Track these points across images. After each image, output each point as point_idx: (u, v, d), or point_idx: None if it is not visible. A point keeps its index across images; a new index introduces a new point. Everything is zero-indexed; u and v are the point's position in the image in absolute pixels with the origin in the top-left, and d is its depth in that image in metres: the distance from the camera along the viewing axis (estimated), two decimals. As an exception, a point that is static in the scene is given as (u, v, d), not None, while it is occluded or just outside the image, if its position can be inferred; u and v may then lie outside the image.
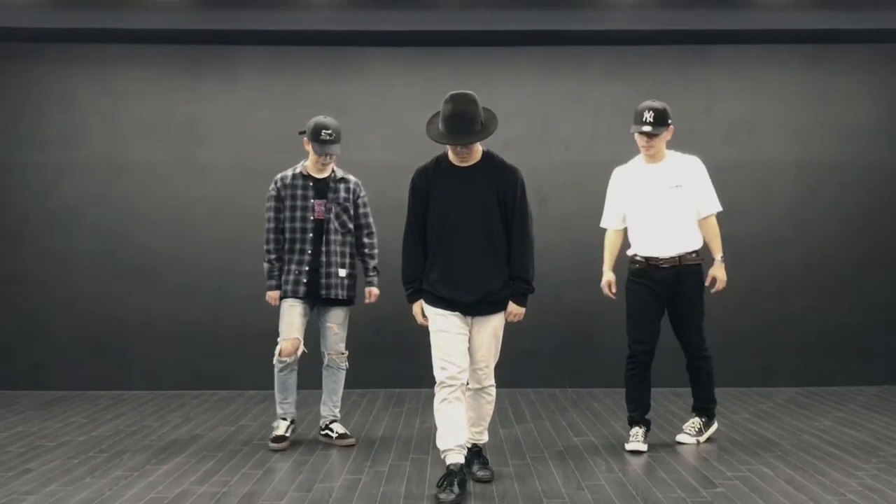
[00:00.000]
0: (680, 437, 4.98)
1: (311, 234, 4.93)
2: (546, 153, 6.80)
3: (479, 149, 4.12)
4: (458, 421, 3.96)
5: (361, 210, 5.07)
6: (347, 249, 5.01)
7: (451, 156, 4.12)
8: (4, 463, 4.54)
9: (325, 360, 5.06)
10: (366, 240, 5.10)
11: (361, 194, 5.08)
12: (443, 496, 3.79)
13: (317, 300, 4.98)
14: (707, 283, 4.90)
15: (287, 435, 4.93)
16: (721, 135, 6.85)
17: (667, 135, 4.82)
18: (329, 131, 4.87)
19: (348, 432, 5.03)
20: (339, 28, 6.49)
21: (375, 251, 5.13)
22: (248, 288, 6.66)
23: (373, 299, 5.15)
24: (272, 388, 6.47)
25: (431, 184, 4.10)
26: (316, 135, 4.87)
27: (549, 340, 6.74)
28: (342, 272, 4.97)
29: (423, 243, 4.10)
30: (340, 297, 4.96)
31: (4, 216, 6.74)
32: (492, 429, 5.30)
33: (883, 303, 6.84)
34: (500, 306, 4.09)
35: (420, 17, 6.49)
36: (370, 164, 6.66)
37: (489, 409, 4.24)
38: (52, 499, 3.90)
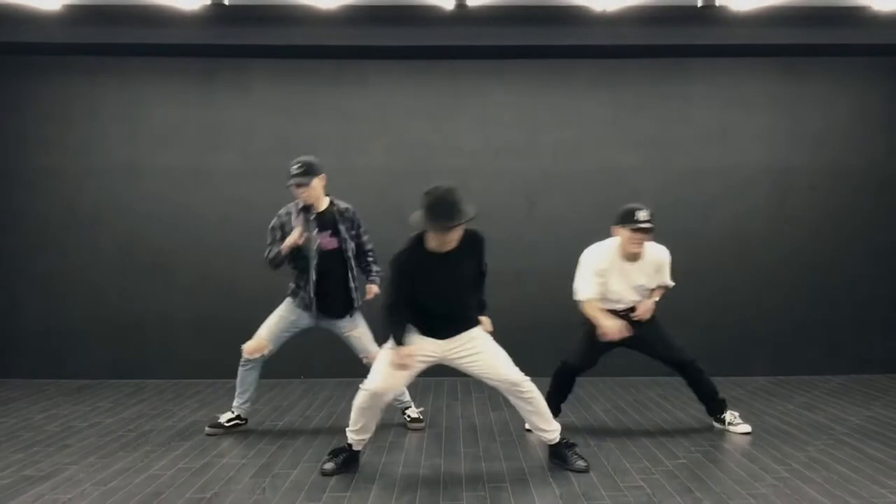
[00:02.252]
0: (741, 428, 5.20)
1: (314, 261, 5.17)
2: (535, 159, 7.27)
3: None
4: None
5: (364, 238, 5.35)
6: (349, 272, 5.27)
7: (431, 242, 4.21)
8: (45, 440, 5.06)
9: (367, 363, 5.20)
10: (369, 258, 5.40)
11: (358, 221, 5.33)
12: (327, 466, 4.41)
13: (323, 317, 5.29)
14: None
15: (224, 424, 5.29)
16: (697, 142, 7.31)
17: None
18: (297, 165, 5.12)
19: (420, 416, 5.46)
20: (343, 43, 6.92)
21: (375, 257, 5.41)
22: (258, 283, 7.14)
23: (371, 296, 5.36)
24: (281, 377, 7.06)
25: (415, 269, 4.23)
26: (287, 174, 5.16)
27: (539, 333, 7.21)
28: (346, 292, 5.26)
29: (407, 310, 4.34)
30: (344, 315, 5.29)
31: (33, 217, 7.21)
32: (482, 410, 5.85)
33: (848, 298, 7.31)
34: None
35: (418, 33, 6.89)
36: (372, 169, 7.17)
37: (537, 400, 4.44)
38: (92, 468, 4.42)
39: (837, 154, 7.35)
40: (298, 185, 5.11)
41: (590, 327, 5.09)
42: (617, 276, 5.10)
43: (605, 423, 5.48)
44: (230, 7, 6.45)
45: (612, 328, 4.94)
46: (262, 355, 5.28)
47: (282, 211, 5.31)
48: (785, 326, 7.29)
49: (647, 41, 6.95)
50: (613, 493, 3.99)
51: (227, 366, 7.18)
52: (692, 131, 7.31)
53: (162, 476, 4.28)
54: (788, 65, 7.30)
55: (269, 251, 5.23)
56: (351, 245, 5.27)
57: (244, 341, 7.17)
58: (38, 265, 7.22)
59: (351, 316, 5.32)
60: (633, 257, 5.09)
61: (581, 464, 4.39)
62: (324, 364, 7.20)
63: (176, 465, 4.50)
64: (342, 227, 5.22)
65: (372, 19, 6.81)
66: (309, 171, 5.14)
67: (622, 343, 5.06)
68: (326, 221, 5.21)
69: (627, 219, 4.98)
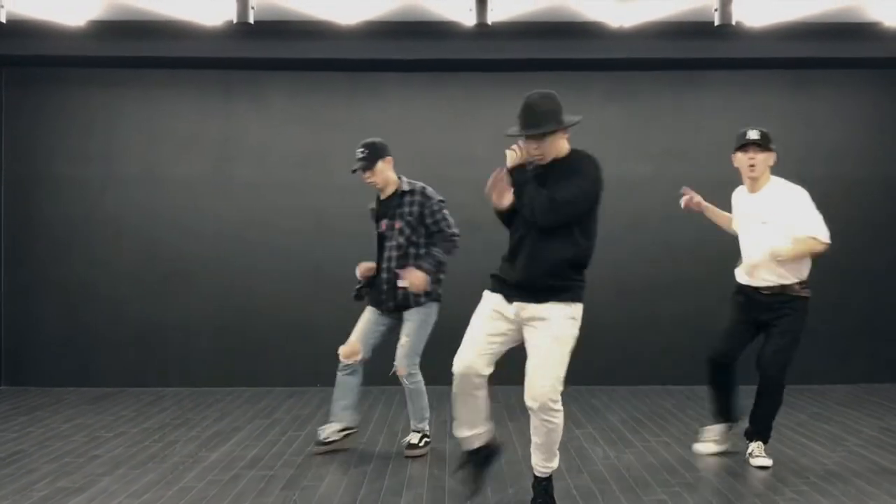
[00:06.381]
0: (757, 462, 4.80)
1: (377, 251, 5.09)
2: (550, 170, 7.36)
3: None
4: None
5: (432, 219, 5.02)
6: (399, 262, 4.99)
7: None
8: (74, 450, 5.15)
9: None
10: (438, 238, 5.07)
11: (430, 202, 5.02)
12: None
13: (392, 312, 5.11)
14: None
15: (325, 441, 5.06)
16: (711, 153, 7.36)
17: (769, 159, 4.81)
18: (360, 149, 5.02)
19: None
20: (359, 56, 7.02)
21: (448, 241, 5.06)
22: (276, 292, 7.30)
23: (407, 283, 4.91)
24: (298, 384, 7.17)
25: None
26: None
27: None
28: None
29: None
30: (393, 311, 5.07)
31: (55, 226, 7.31)
32: (500, 420, 5.92)
33: (859, 308, 7.40)
34: None
35: (434, 46, 7.00)
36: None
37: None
38: (124, 479, 4.51)
39: (849, 165, 7.44)
40: (357, 171, 5.00)
41: (733, 303, 4.94)
42: (743, 209, 4.86)
43: (623, 434, 5.57)
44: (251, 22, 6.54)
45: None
46: (357, 360, 5.09)
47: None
48: (796, 336, 7.36)
49: (662, 55, 7.06)
50: (637, 506, 4.08)
51: (244, 374, 7.33)
52: (706, 143, 7.39)
53: (193, 488, 4.37)
54: (802, 77, 7.40)
55: None
56: (406, 231, 4.97)
57: (261, 349, 7.37)
58: (59, 273, 7.32)
59: (400, 312, 5.04)
60: (753, 185, 4.83)
61: None
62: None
63: (205, 477, 4.58)
64: (398, 210, 4.99)
65: (388, 33, 6.91)
66: (371, 155, 4.97)
67: (760, 320, 4.81)
68: (389, 205, 5.05)
69: (738, 141, 4.79)
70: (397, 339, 5.08)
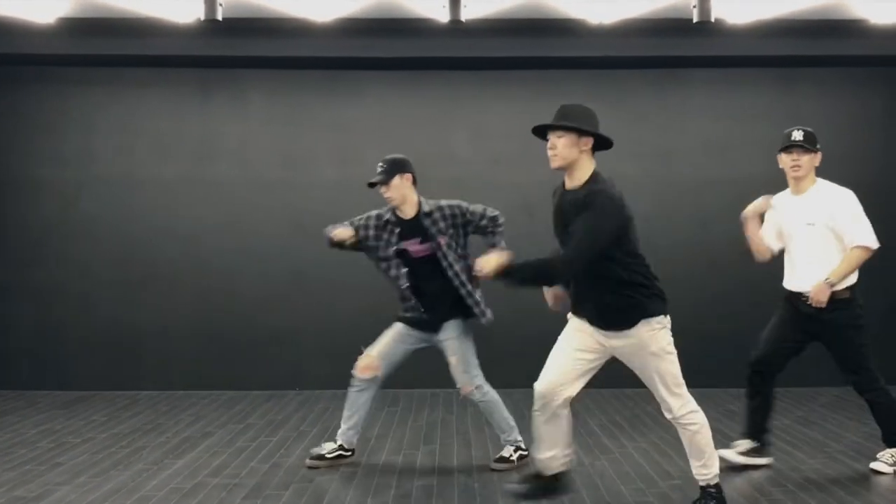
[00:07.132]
0: (874, 465, 4.73)
1: (402, 270, 4.81)
2: (531, 170, 7.21)
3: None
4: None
5: (476, 219, 4.87)
6: (453, 279, 4.79)
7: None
8: (36, 457, 5.04)
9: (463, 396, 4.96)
10: (489, 230, 4.93)
11: (459, 211, 4.84)
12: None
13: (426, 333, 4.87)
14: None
15: (326, 455, 4.84)
16: (696, 153, 7.30)
17: (815, 160, 4.74)
18: (380, 164, 4.81)
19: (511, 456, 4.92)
20: (338, 54, 6.92)
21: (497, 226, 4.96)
22: (254, 295, 7.19)
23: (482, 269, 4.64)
24: (276, 388, 7.06)
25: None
26: None
27: (535, 344, 7.18)
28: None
29: None
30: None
31: (29, 227, 7.20)
32: (478, 426, 5.81)
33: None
34: None
35: (413, 44, 6.89)
36: (367, 179, 7.15)
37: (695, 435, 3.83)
38: (82, 489, 4.40)
39: (835, 163, 7.26)
40: (375, 185, 4.78)
41: (778, 314, 4.87)
42: (788, 211, 4.74)
43: (600, 440, 5.47)
44: (224, 19, 6.43)
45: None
46: (375, 376, 4.82)
47: (373, 212, 4.90)
48: (782, 338, 7.26)
49: (643, 53, 6.95)
50: (606, 516, 3.97)
51: (222, 377, 7.22)
52: (690, 142, 7.30)
53: (153, 498, 4.26)
54: (785, 76, 7.30)
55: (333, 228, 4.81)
56: (453, 244, 4.77)
57: (240, 352, 7.25)
58: (33, 275, 7.20)
59: (448, 329, 4.79)
60: (797, 186, 4.75)
61: None
62: (319, 375, 7.18)
63: (167, 485, 4.48)
64: (432, 231, 4.73)
65: (367, 31, 6.79)
66: (389, 169, 4.75)
67: (811, 334, 4.77)
68: (414, 226, 4.77)
69: (782, 142, 4.70)
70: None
